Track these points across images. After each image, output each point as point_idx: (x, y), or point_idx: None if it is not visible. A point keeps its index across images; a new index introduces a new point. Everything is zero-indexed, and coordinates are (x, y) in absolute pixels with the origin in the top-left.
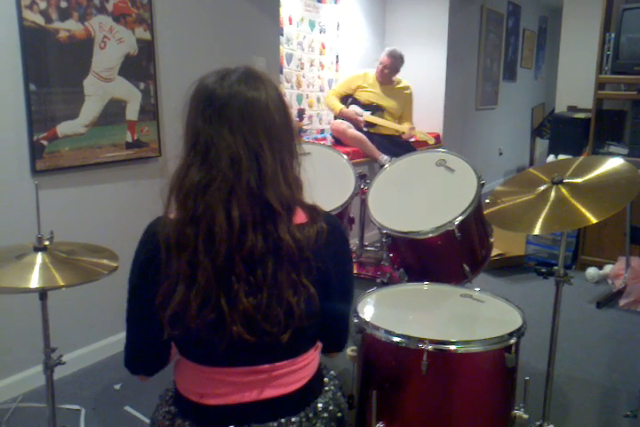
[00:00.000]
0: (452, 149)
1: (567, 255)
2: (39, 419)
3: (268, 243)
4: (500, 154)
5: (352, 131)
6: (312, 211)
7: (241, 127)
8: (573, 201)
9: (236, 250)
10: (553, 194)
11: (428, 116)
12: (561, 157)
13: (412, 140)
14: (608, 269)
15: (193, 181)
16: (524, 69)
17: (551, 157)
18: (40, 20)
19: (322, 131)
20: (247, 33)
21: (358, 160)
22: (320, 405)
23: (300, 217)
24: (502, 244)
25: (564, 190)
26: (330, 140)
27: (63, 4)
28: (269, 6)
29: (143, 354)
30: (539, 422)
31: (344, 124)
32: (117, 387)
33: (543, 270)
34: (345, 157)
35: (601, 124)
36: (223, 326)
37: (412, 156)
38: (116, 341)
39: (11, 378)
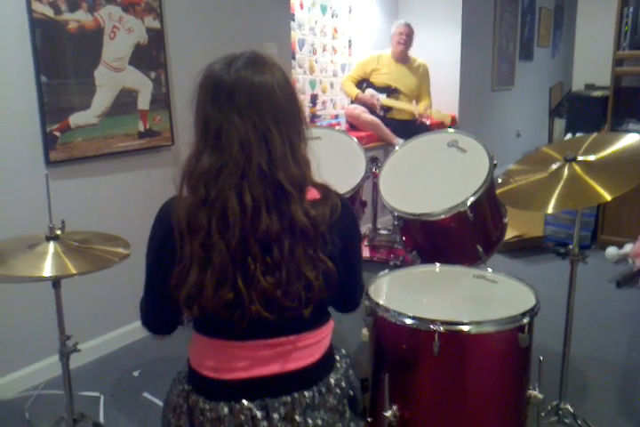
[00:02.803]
0: (469, 131)
1: (586, 235)
2: (59, 406)
3: (283, 222)
4: (518, 135)
5: (366, 115)
6: (324, 188)
7: (249, 112)
8: (587, 178)
9: (250, 232)
10: (566, 172)
11: (443, 98)
12: (578, 135)
13: (428, 122)
14: (628, 248)
15: (204, 167)
16: (540, 48)
17: (569, 136)
18: (49, 12)
19: (336, 116)
20: (258, 19)
21: (373, 144)
22: (332, 380)
23: (313, 194)
24: (520, 225)
25: (577, 168)
26: (344, 124)
27: None
28: None
29: (160, 319)
30: (555, 402)
31: (358, 109)
32: (136, 374)
33: (561, 251)
34: (355, 139)
35: (619, 101)
36: (242, 306)
37: (423, 137)
38: (133, 329)
39: (32, 366)
